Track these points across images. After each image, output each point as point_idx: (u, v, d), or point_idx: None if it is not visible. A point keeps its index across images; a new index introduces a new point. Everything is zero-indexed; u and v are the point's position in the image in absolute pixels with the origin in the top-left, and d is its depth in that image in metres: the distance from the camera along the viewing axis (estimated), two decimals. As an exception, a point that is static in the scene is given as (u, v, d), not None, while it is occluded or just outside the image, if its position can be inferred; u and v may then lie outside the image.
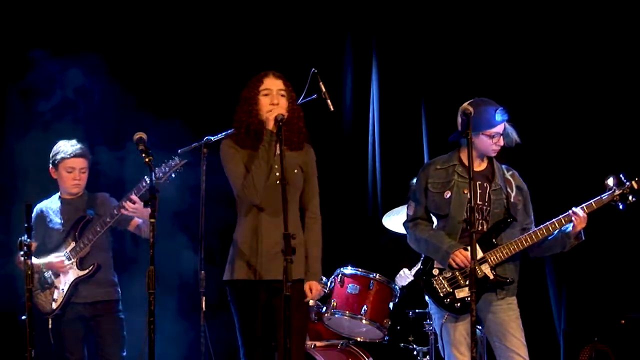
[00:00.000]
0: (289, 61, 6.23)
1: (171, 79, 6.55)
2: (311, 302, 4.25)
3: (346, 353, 5.58)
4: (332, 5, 6.93)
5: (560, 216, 4.50)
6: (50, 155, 5.23)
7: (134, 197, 4.91)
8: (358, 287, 5.48)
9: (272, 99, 4.16)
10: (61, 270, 5.10)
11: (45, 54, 6.06)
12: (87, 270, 5.09)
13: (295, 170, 4.18)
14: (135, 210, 4.94)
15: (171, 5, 6.65)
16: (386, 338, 5.59)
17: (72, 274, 5.10)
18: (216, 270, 4.53)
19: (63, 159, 5.16)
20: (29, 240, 4.34)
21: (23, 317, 4.58)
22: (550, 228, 4.49)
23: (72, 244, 5.12)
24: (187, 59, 6.60)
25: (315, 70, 4.79)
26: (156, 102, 6.32)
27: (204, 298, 4.64)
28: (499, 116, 4.50)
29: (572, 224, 4.48)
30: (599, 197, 4.52)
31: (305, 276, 4.16)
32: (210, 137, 4.80)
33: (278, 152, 4.02)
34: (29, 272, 4.34)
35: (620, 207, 4.55)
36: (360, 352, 5.60)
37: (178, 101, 6.46)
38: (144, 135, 4.07)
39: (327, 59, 6.70)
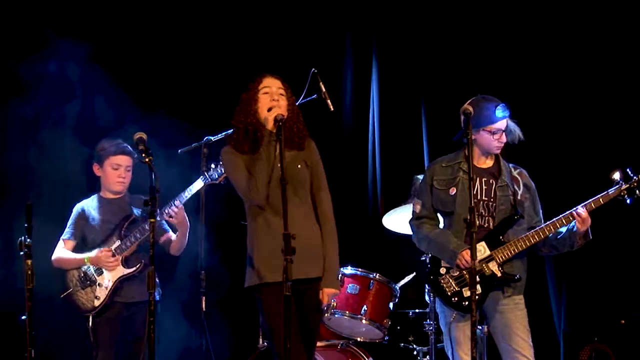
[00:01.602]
0: (289, 61, 6.23)
1: (170, 79, 6.55)
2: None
3: (346, 353, 5.58)
4: (332, 5, 6.93)
5: (567, 212, 4.49)
6: (95, 152, 5.19)
7: (179, 203, 4.89)
8: (358, 287, 5.48)
9: (272, 96, 4.14)
10: (107, 266, 5.03)
11: (45, 54, 6.07)
12: (134, 269, 5.04)
13: (299, 166, 4.15)
14: (178, 216, 4.92)
15: (172, 6, 6.64)
16: (386, 338, 5.59)
17: (117, 272, 5.05)
18: (215, 271, 4.55)
19: (109, 155, 5.12)
20: (29, 240, 4.34)
21: (23, 317, 4.57)
22: (558, 224, 4.48)
23: (117, 242, 5.07)
24: (187, 60, 6.60)
25: (315, 70, 4.80)
26: (156, 102, 6.31)
27: (203, 298, 4.65)
28: (499, 112, 4.49)
29: (574, 225, 4.47)
30: (606, 192, 4.50)
31: (321, 280, 4.13)
32: (210, 137, 4.81)
33: (278, 151, 4.01)
34: (29, 272, 4.32)
35: (628, 201, 4.52)
36: (360, 352, 5.59)
37: (177, 101, 6.46)
38: (144, 135, 4.06)
39: (327, 59, 6.70)
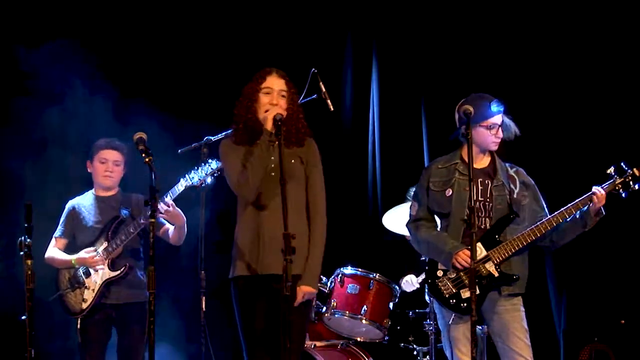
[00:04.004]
0: (289, 61, 6.22)
1: (170, 79, 6.55)
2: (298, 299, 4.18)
3: (346, 353, 5.58)
4: (332, 5, 6.93)
5: (562, 208, 4.48)
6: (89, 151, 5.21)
7: (169, 200, 4.88)
8: (358, 287, 5.48)
9: (272, 98, 4.14)
10: (93, 266, 5.03)
11: (45, 54, 6.08)
12: (118, 272, 5.02)
13: (293, 161, 4.14)
14: (169, 213, 4.91)
15: (173, 6, 6.64)
16: (386, 338, 5.59)
17: (104, 274, 5.05)
18: (216, 270, 4.55)
19: (98, 149, 5.14)
20: (29, 240, 4.34)
21: (23, 317, 4.57)
22: (553, 221, 4.48)
23: (105, 244, 5.06)
24: (187, 60, 6.60)
25: (315, 70, 4.80)
26: (157, 103, 6.31)
27: (203, 298, 4.65)
28: (494, 107, 4.50)
29: (586, 207, 4.45)
30: (602, 185, 4.51)
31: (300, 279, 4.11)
32: (210, 137, 4.80)
33: (274, 149, 4.00)
34: (29, 272, 4.32)
35: (623, 195, 4.53)
36: (360, 352, 5.60)
37: (178, 102, 6.46)
38: (144, 135, 4.05)
39: (327, 59, 6.70)
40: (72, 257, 5.07)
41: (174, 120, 6.19)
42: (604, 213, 4.51)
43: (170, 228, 5.12)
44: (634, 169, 4.52)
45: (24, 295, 4.26)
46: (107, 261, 5.04)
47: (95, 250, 5.05)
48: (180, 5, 6.67)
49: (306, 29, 6.85)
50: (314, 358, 5.36)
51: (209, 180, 4.73)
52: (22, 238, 4.33)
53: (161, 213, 4.89)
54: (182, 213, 4.98)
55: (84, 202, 5.21)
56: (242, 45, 6.67)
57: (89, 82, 6.21)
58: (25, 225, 4.34)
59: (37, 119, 6.11)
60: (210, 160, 4.72)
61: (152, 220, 3.93)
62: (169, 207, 4.88)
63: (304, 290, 4.08)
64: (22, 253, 4.35)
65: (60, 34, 6.23)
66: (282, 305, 3.75)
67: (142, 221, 4.93)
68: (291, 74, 4.36)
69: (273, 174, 4.06)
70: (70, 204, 5.21)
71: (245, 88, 4.22)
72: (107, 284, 5.03)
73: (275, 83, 4.18)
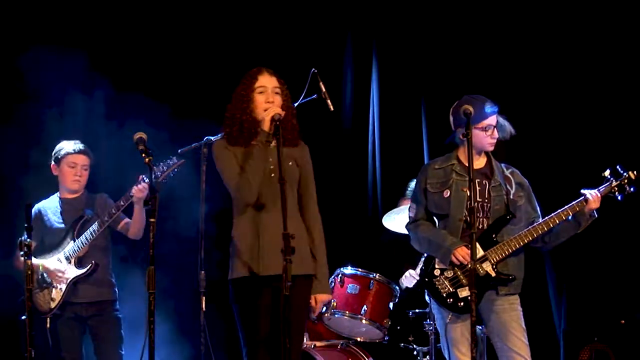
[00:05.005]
0: (289, 61, 6.23)
1: (169, 79, 6.55)
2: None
3: (346, 353, 5.58)
4: (332, 5, 6.93)
5: (559, 210, 4.49)
6: (53, 153, 5.26)
7: (142, 181, 4.90)
8: (358, 287, 5.48)
9: (267, 97, 4.12)
10: (55, 281, 5.11)
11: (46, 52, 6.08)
12: (85, 269, 5.10)
13: (290, 163, 4.14)
14: (142, 192, 4.94)
15: (174, 7, 6.64)
16: (386, 338, 5.59)
17: (71, 273, 5.11)
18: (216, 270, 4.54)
19: (66, 154, 5.19)
20: (29, 240, 4.34)
21: (23, 317, 4.57)
22: (550, 223, 4.49)
23: (71, 244, 5.14)
24: (187, 60, 6.60)
25: (315, 70, 4.79)
26: (157, 102, 6.31)
27: (203, 298, 4.64)
28: (488, 108, 4.51)
29: (581, 209, 4.48)
30: (597, 188, 4.53)
31: (313, 286, 4.15)
32: (210, 137, 4.79)
33: (273, 150, 4.00)
34: (29, 272, 4.33)
35: (619, 198, 4.56)
36: (360, 352, 5.59)
37: (177, 102, 6.46)
38: (143, 135, 4.05)
39: (327, 59, 6.70)
40: (40, 262, 5.13)
41: (173, 121, 6.19)
42: (596, 216, 4.53)
43: (127, 220, 5.20)
44: (630, 172, 4.54)
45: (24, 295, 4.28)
46: (74, 260, 5.11)
47: (62, 255, 5.12)
48: (181, 5, 6.66)
49: (306, 29, 6.85)
50: (314, 358, 5.36)
51: (171, 175, 4.87)
52: (22, 238, 4.33)
53: (143, 191, 4.91)
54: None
55: (49, 205, 5.30)
56: (242, 45, 6.66)
57: (89, 82, 6.21)
58: (25, 225, 4.34)
59: (37, 119, 6.11)
60: (172, 156, 4.84)
61: (152, 220, 3.93)
62: (145, 184, 4.89)
63: (322, 299, 4.17)
64: (22, 253, 4.35)
65: (59, 34, 6.23)
66: (282, 305, 3.75)
67: (106, 219, 5.02)
68: (291, 74, 4.35)
69: (273, 175, 4.06)
70: (35, 207, 5.27)
71: (237, 90, 4.20)
72: (75, 282, 5.09)
73: (267, 81, 4.17)
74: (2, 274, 5.46)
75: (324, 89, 4.83)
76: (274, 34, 6.74)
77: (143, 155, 3.99)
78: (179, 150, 5.01)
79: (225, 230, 4.31)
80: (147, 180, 4.89)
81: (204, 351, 4.64)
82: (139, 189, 4.94)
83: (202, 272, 4.58)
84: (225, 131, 4.20)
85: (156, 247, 3.88)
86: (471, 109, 4.24)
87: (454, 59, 6.73)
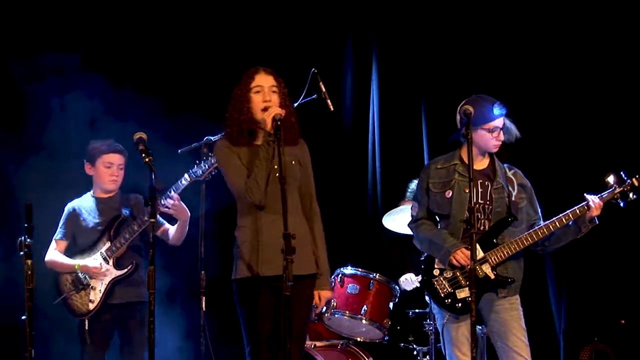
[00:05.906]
0: (289, 61, 6.22)
1: (170, 79, 6.54)
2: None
3: (346, 353, 5.58)
4: (332, 5, 6.92)
5: (561, 215, 4.49)
6: (87, 152, 5.19)
7: (174, 195, 4.88)
8: (358, 287, 5.48)
9: (264, 96, 4.11)
10: (95, 276, 5.03)
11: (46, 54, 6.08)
12: (125, 270, 5.03)
13: (293, 162, 4.15)
14: (175, 207, 4.91)
15: (173, 6, 6.64)
16: (386, 338, 5.59)
17: (110, 274, 5.04)
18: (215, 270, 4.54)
19: (102, 154, 5.13)
20: (29, 240, 4.33)
21: (23, 317, 4.56)
22: (551, 227, 4.49)
23: (108, 244, 5.06)
24: (187, 60, 6.59)
25: (315, 70, 4.79)
26: (157, 102, 6.31)
27: (203, 298, 4.65)
28: (496, 110, 4.49)
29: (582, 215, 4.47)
30: (600, 195, 4.52)
31: (316, 283, 4.17)
32: (210, 137, 4.80)
33: (275, 149, 4.00)
34: (29, 272, 4.32)
35: (621, 204, 4.55)
36: (360, 352, 5.59)
37: (177, 102, 6.45)
38: (144, 135, 4.05)
39: (327, 59, 6.69)
40: (76, 263, 5.07)
41: (174, 120, 6.19)
42: (596, 222, 4.52)
43: (170, 228, 5.12)
44: (634, 179, 4.52)
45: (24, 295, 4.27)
46: (112, 261, 5.04)
47: (99, 255, 5.04)
48: (181, 6, 6.66)
49: (306, 28, 6.84)
50: (314, 358, 5.36)
51: (214, 173, 4.75)
52: (22, 238, 4.33)
53: (167, 208, 4.90)
54: (187, 209, 4.99)
55: (84, 204, 5.21)
56: (242, 45, 6.66)
57: (87, 82, 6.20)
58: (25, 225, 4.34)
59: (36, 120, 6.10)
60: (211, 154, 4.73)
61: (152, 220, 3.93)
62: (174, 201, 4.88)
63: (326, 296, 4.20)
64: (22, 253, 4.35)
65: (59, 35, 6.23)
66: (283, 305, 3.75)
67: (146, 219, 4.93)
68: (291, 74, 4.35)
69: (277, 174, 4.05)
70: (69, 205, 5.21)
71: (234, 90, 4.19)
72: (113, 284, 5.03)
73: (264, 80, 4.16)
74: (6, 274, 5.46)
75: (324, 89, 4.83)
76: (273, 34, 6.73)
77: (143, 155, 3.99)
78: (179, 150, 5.02)
79: (225, 229, 4.31)
80: (178, 188, 4.87)
81: (204, 351, 4.64)
82: (173, 206, 4.89)
83: (202, 272, 4.59)
84: (226, 131, 4.20)
85: (156, 247, 3.88)
86: (471, 109, 4.24)
87: (454, 59, 6.73)
